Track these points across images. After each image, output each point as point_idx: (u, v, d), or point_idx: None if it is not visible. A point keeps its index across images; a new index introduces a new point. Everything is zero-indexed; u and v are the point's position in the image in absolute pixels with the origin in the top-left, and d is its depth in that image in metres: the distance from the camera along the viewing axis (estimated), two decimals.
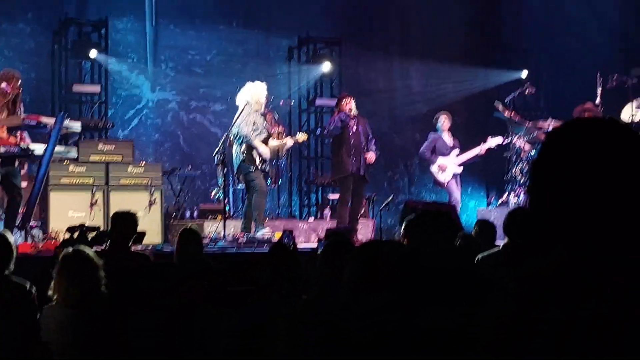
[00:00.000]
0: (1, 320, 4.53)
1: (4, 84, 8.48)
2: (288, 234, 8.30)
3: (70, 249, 4.62)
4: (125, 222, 6.46)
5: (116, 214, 6.59)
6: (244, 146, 9.86)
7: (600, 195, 1.48)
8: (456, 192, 11.71)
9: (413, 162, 14.48)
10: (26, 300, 4.69)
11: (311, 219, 12.34)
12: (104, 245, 6.69)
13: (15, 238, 8.43)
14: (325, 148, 13.97)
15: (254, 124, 9.90)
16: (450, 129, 12.02)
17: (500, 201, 12.66)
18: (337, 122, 10.40)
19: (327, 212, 12.05)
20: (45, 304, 4.62)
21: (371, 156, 10.49)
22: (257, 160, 9.90)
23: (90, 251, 4.62)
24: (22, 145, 8.49)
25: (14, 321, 4.55)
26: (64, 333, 4.42)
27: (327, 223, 11.25)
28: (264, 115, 10.17)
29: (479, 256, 5.56)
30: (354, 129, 10.42)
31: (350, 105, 10.47)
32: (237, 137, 9.85)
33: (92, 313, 4.29)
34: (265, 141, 9.96)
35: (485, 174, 14.71)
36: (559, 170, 1.53)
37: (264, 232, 9.69)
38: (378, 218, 10.80)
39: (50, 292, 4.48)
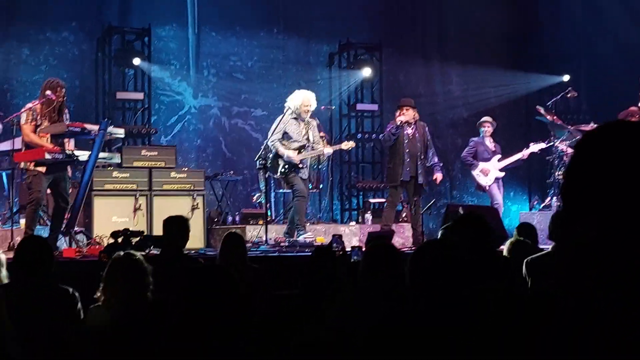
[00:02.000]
0: (47, 325, 4.59)
1: (48, 92, 8.61)
2: (337, 238, 8.29)
3: (121, 253, 4.66)
4: (177, 227, 6.51)
5: (168, 219, 6.63)
6: (272, 152, 9.97)
7: (635, 199, 1.45)
8: (498, 196, 11.66)
9: (454, 166, 14.42)
10: (70, 305, 4.75)
11: (352, 223, 12.34)
12: (147, 251, 6.76)
13: (60, 243, 8.64)
14: (366, 153, 13.98)
15: (284, 132, 9.98)
16: (492, 135, 11.98)
17: (543, 205, 12.57)
18: (389, 134, 10.43)
19: (368, 216, 12.04)
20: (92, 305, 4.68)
21: (439, 177, 10.61)
22: (280, 167, 9.95)
23: (140, 256, 4.65)
24: (67, 151, 8.61)
25: (59, 326, 4.61)
26: (106, 334, 4.47)
27: (369, 227, 11.24)
28: (307, 122, 10.19)
29: (528, 259, 5.54)
30: (411, 135, 10.40)
31: (405, 115, 10.40)
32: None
33: (135, 317, 4.33)
34: (297, 150, 9.99)
35: (528, 178, 14.61)
36: (593, 172, 1.50)
37: (306, 236, 9.73)
38: (421, 221, 10.76)
39: (98, 294, 4.53)
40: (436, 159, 10.61)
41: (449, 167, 14.64)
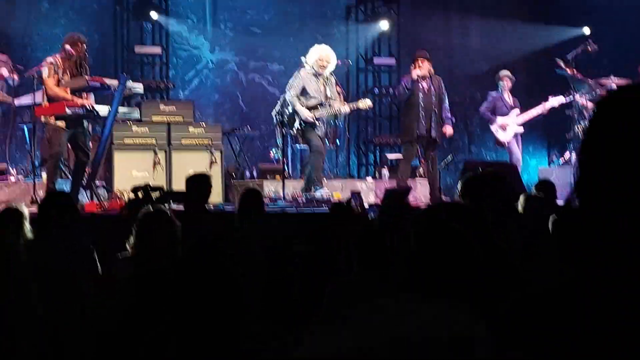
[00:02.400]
0: (69, 280, 4.67)
1: (67, 46, 8.65)
2: (356, 196, 8.32)
3: (151, 208, 4.71)
4: (200, 185, 6.58)
5: (191, 177, 6.69)
6: (289, 108, 9.97)
7: None
8: (517, 151, 11.65)
9: (473, 121, 14.37)
10: (90, 261, 4.83)
11: (369, 178, 12.38)
12: (167, 205, 6.83)
13: (81, 197, 8.74)
14: (383, 108, 13.95)
15: (302, 88, 9.97)
16: (510, 89, 11.92)
17: (562, 160, 12.54)
18: (403, 88, 10.27)
19: (385, 171, 12.07)
20: (113, 260, 4.75)
21: (449, 130, 10.32)
22: (296, 123, 9.96)
23: (170, 212, 4.69)
24: (87, 106, 8.67)
25: (81, 281, 4.69)
26: (132, 287, 4.53)
27: (386, 183, 11.27)
28: (326, 78, 10.16)
29: (553, 218, 5.53)
30: (426, 90, 10.26)
31: (422, 68, 10.25)
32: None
33: (163, 272, 4.39)
34: (314, 107, 9.98)
35: (547, 133, 14.55)
36: (611, 139, 1.43)
37: (323, 192, 9.77)
38: (438, 177, 10.76)
39: (128, 247, 4.59)
40: (448, 114, 10.42)
41: (467, 122, 14.60)
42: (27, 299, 2.59)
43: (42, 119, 8.80)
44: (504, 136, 11.63)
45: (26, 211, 5.55)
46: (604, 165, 1.43)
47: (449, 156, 10.94)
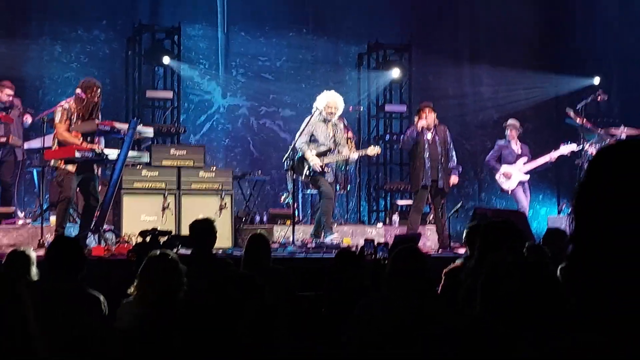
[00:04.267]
0: (72, 326, 4.62)
1: (79, 91, 8.68)
2: (369, 243, 8.24)
3: (157, 251, 4.68)
4: (204, 230, 6.54)
5: (194, 223, 6.65)
6: (299, 154, 9.97)
7: None
8: (523, 200, 11.59)
9: (483, 168, 14.35)
10: (97, 310, 4.78)
11: (379, 224, 12.33)
12: (175, 250, 6.79)
13: (89, 241, 8.71)
14: (394, 154, 13.95)
15: (311, 135, 9.99)
16: (519, 137, 11.91)
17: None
18: (408, 138, 10.35)
19: (395, 217, 12.02)
20: (120, 302, 4.71)
21: (454, 179, 10.43)
22: (305, 170, 9.96)
23: (175, 255, 4.67)
24: (97, 150, 8.67)
25: (85, 327, 4.64)
26: (136, 330, 4.49)
27: (396, 229, 11.22)
28: (334, 124, 10.17)
29: (561, 267, 5.46)
30: (430, 139, 10.30)
31: (427, 119, 10.31)
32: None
33: (166, 315, 4.35)
34: (324, 153, 9.98)
35: (557, 181, 14.50)
36: (604, 191, 1.44)
37: (333, 238, 9.73)
38: (447, 224, 10.71)
39: (131, 289, 4.55)
40: (454, 163, 10.48)
41: (477, 169, 14.58)
42: (27, 342, 2.55)
43: (52, 162, 8.80)
44: (508, 184, 11.62)
45: (33, 255, 5.52)
46: (597, 216, 1.45)
47: (459, 203, 10.88)
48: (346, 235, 10.46)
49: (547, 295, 2.62)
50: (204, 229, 6.54)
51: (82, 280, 4.90)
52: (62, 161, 8.56)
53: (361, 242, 9.93)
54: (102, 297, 4.81)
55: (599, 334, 1.39)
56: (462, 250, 8.74)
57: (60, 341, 4.45)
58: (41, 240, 8.56)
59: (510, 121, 12.00)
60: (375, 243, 7.62)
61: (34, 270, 5.43)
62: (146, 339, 4.29)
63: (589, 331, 1.41)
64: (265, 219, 11.55)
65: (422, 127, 10.23)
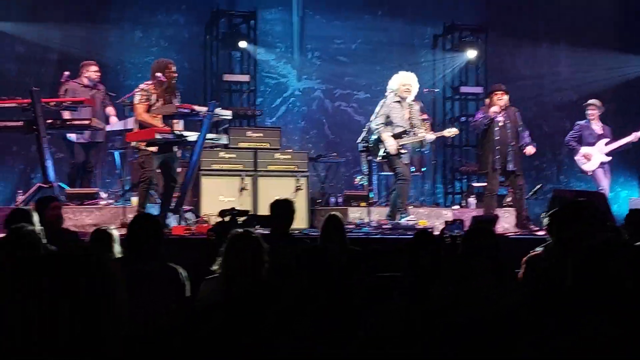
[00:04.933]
0: (155, 301, 4.73)
1: (159, 74, 8.85)
2: (458, 224, 8.20)
3: (240, 230, 4.77)
4: (284, 210, 6.66)
5: (275, 202, 6.78)
6: (374, 136, 9.97)
7: None
8: (604, 181, 11.39)
9: (561, 150, 14.14)
10: (177, 283, 4.89)
11: (455, 206, 12.28)
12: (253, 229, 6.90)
13: (169, 221, 8.91)
14: (470, 136, 13.85)
15: (387, 116, 9.97)
16: (600, 118, 11.70)
17: None
18: (483, 119, 10.22)
19: (472, 200, 11.93)
20: (201, 282, 4.81)
21: (530, 149, 10.21)
22: (381, 152, 9.95)
23: (258, 234, 4.75)
24: (177, 132, 8.85)
25: (167, 303, 4.75)
26: (219, 306, 4.58)
27: (472, 211, 11.15)
28: (410, 105, 10.15)
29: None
30: (501, 123, 10.18)
31: (502, 99, 10.18)
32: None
33: (249, 294, 4.42)
34: (399, 135, 9.96)
35: (638, 164, 14.21)
36: None
37: (408, 219, 9.74)
38: (526, 206, 10.59)
39: (215, 267, 4.64)
40: (528, 139, 10.28)
41: (555, 151, 14.39)
42: (117, 316, 2.64)
43: (133, 144, 9.01)
44: (588, 166, 11.42)
45: (116, 233, 5.67)
46: None
47: (538, 185, 10.76)
48: (422, 218, 10.45)
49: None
50: (285, 208, 6.64)
51: (162, 257, 5.02)
52: (143, 143, 8.75)
53: (437, 224, 9.95)
54: (183, 272, 4.92)
55: None
56: (540, 233, 8.65)
57: (144, 316, 4.57)
58: (123, 220, 8.76)
59: (592, 101, 11.78)
60: (450, 220, 7.60)
61: (116, 248, 5.59)
62: (230, 316, 4.38)
63: None
64: (340, 200, 11.61)
65: (495, 113, 10.09)
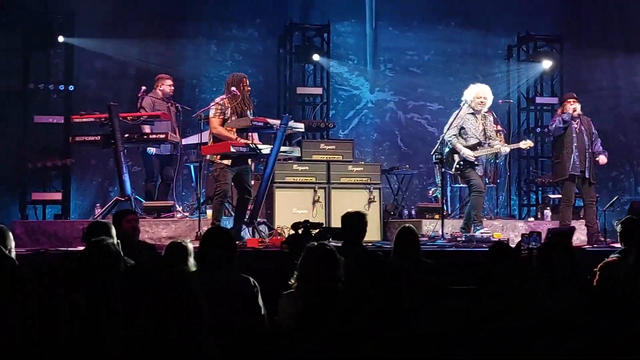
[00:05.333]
0: (230, 313, 4.77)
1: (233, 88, 8.97)
2: (535, 236, 8.08)
3: (315, 243, 4.79)
4: (355, 222, 6.67)
5: (347, 215, 6.79)
6: (448, 147, 9.91)
7: None
8: None
9: (639, 161, 13.85)
10: (251, 294, 4.93)
11: (531, 219, 12.11)
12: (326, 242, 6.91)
13: (243, 234, 8.99)
14: (545, 147, 13.65)
15: (461, 128, 9.90)
16: None
17: None
18: (559, 123, 10.12)
19: (547, 212, 11.76)
20: (275, 294, 4.84)
21: (603, 159, 10.09)
22: (455, 163, 9.87)
23: (333, 247, 4.76)
24: (251, 145, 8.94)
25: (242, 314, 4.79)
26: (296, 322, 4.60)
27: (548, 223, 10.99)
28: (483, 116, 10.07)
29: None
30: (577, 129, 10.09)
31: (573, 106, 10.12)
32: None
33: (326, 306, 4.43)
34: (473, 147, 9.88)
35: None
36: None
37: (483, 232, 9.64)
38: (602, 219, 10.41)
39: (291, 281, 4.67)
40: (600, 147, 10.16)
41: (633, 162, 14.10)
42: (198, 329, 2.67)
43: (208, 157, 9.13)
44: None
45: (190, 246, 5.74)
46: None
47: (615, 197, 10.54)
48: (496, 230, 10.34)
49: None
50: (356, 221, 6.65)
51: (235, 268, 5.06)
52: (218, 156, 8.87)
53: (512, 237, 9.83)
54: (252, 280, 4.95)
55: None
56: (617, 245, 8.48)
57: (219, 327, 4.62)
58: (198, 233, 8.86)
59: None
60: (527, 233, 7.48)
61: (191, 261, 5.65)
62: (308, 329, 4.40)
63: None
64: (413, 212, 11.57)
65: (570, 114, 10.00)
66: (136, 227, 7.17)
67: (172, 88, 10.88)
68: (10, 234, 5.41)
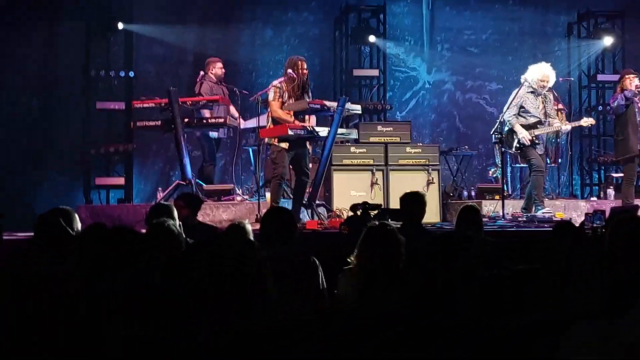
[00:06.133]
0: (292, 291, 4.81)
1: (290, 71, 9.01)
2: (600, 215, 7.97)
3: (376, 222, 4.81)
4: (414, 203, 6.66)
5: (405, 195, 6.79)
6: (507, 127, 9.81)
7: None
8: None
9: None
10: (313, 272, 4.96)
11: (593, 198, 11.94)
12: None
13: (302, 216, 9.04)
14: (607, 125, 13.42)
15: (520, 107, 9.79)
16: None
17: None
18: (620, 100, 9.96)
19: (610, 191, 11.58)
20: (334, 274, 4.86)
21: None
22: (514, 143, 9.77)
23: (394, 226, 4.77)
24: (309, 127, 8.97)
25: (304, 292, 4.82)
26: (355, 298, 4.62)
27: (611, 203, 10.82)
28: (544, 95, 9.95)
29: None
30: (639, 106, 9.93)
31: (634, 82, 9.97)
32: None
33: (385, 284, 4.44)
34: (534, 125, 9.77)
35: None
36: None
37: (544, 211, 9.54)
38: None
39: (351, 258, 4.69)
40: None
41: None
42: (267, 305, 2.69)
43: (266, 140, 9.19)
44: None
45: (249, 227, 5.79)
46: None
47: None
48: (558, 210, 10.22)
49: None
50: (415, 201, 6.64)
51: (296, 248, 5.10)
52: (276, 139, 8.91)
53: (574, 216, 9.70)
54: (312, 259, 4.97)
55: None
56: None
57: (283, 307, 4.66)
58: (258, 216, 8.92)
59: None
60: (591, 212, 7.39)
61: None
62: (367, 307, 4.41)
63: None
64: (473, 193, 11.49)
65: (633, 91, 9.82)
66: (185, 213, 7.19)
67: (223, 70, 10.95)
68: (77, 216, 5.52)
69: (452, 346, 2.72)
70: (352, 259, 4.66)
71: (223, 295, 1.91)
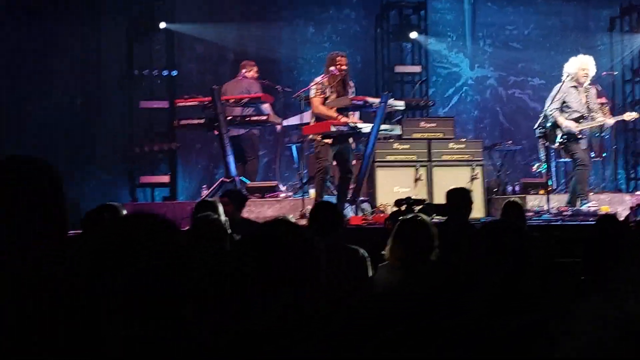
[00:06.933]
0: (340, 283, 4.85)
1: (332, 68, 9.03)
2: (634, 210, 7.92)
3: (409, 215, 4.83)
4: (460, 198, 6.67)
5: (451, 191, 6.80)
6: (550, 122, 9.74)
7: None
8: None
9: None
10: (360, 264, 5.00)
11: (638, 192, 11.82)
12: (430, 218, 6.93)
13: (346, 212, 9.06)
14: None
15: (563, 102, 9.72)
16: None
17: None
18: None
19: None
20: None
21: None
22: (558, 137, 9.70)
23: (427, 219, 4.78)
24: (351, 124, 8.99)
25: (348, 280, 4.86)
26: (389, 291, 4.64)
27: None
28: (586, 89, 9.87)
29: None
30: None
31: None
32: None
33: (418, 277, 4.46)
34: (576, 120, 9.70)
35: None
36: None
37: (589, 205, 9.47)
38: None
39: (384, 252, 4.72)
40: None
41: None
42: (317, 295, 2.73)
43: (310, 136, 9.23)
44: None
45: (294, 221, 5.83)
46: None
47: None
48: (603, 204, 10.12)
49: None
50: (461, 197, 6.63)
51: (342, 240, 5.13)
52: (320, 135, 8.95)
53: (619, 210, 9.60)
54: (360, 251, 5.01)
55: None
56: None
57: (332, 299, 4.69)
58: (302, 212, 8.98)
59: None
60: (635, 205, 7.33)
61: None
62: (400, 300, 4.42)
63: None
64: (517, 188, 11.42)
65: None
66: (229, 209, 7.24)
67: (258, 74, 11.00)
68: (125, 212, 5.60)
69: (452, 346, 2.73)
70: (386, 252, 4.69)
71: (226, 295, 1.95)
